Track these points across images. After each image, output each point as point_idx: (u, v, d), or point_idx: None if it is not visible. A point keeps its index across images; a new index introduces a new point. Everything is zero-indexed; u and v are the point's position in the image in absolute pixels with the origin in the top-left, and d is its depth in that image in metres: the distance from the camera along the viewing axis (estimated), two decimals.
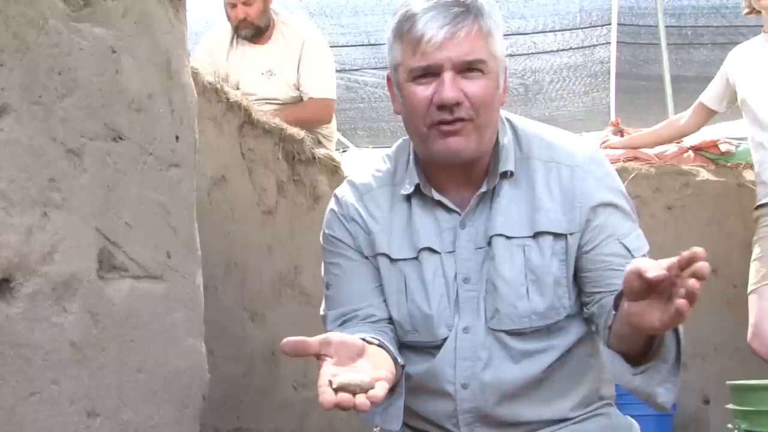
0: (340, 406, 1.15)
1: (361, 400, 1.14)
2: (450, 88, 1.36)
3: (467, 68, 1.38)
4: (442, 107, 1.37)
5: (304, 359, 2.76)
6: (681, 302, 1.10)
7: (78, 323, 1.19)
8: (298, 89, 3.68)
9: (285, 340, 1.21)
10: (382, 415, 1.37)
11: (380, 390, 1.17)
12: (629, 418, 1.60)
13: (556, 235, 1.44)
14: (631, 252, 1.42)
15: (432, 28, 1.36)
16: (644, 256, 1.42)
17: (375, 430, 1.64)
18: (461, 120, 1.38)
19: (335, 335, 1.26)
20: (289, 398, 2.73)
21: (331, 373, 1.18)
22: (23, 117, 1.11)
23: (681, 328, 1.27)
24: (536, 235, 1.44)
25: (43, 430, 1.12)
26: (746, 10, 3.30)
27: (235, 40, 3.73)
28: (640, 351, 1.29)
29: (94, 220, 1.24)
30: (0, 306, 1.07)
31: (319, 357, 1.23)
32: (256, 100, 3.34)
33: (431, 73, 1.38)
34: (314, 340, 1.22)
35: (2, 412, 1.06)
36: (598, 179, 1.46)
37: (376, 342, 1.33)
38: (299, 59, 3.65)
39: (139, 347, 1.32)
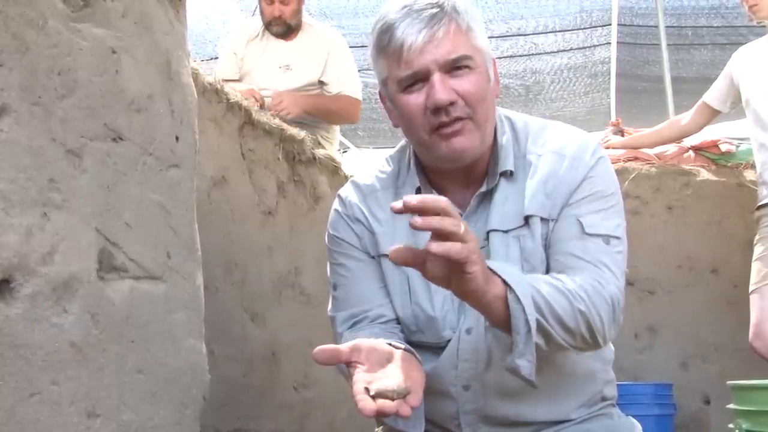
0: (380, 413, 1.16)
1: (402, 405, 1.17)
2: (441, 89, 1.36)
3: (454, 67, 1.38)
4: (437, 110, 1.37)
5: (305, 360, 2.77)
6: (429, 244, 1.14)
7: (78, 324, 1.19)
8: (320, 84, 3.75)
9: (317, 348, 1.22)
10: (404, 421, 1.35)
11: (417, 395, 1.20)
12: (631, 418, 1.60)
13: (542, 219, 1.43)
14: (585, 228, 1.39)
15: (410, 35, 1.36)
16: (601, 236, 1.39)
17: (376, 430, 1.64)
18: (459, 119, 1.38)
19: (364, 342, 1.28)
20: (289, 399, 2.73)
21: (365, 380, 1.20)
22: (23, 117, 1.11)
23: (521, 295, 1.24)
24: (527, 221, 1.43)
25: (43, 430, 1.12)
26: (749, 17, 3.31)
27: (261, 33, 3.79)
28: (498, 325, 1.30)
29: (94, 221, 1.24)
30: (0, 306, 1.07)
31: (349, 364, 1.25)
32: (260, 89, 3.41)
33: (420, 79, 1.38)
34: (345, 347, 1.25)
35: (2, 413, 1.06)
36: (586, 170, 1.44)
37: (403, 347, 1.33)
38: (326, 63, 3.75)
39: (139, 348, 1.32)
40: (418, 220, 1.13)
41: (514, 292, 1.24)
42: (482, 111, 1.40)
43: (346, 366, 1.27)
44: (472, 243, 1.18)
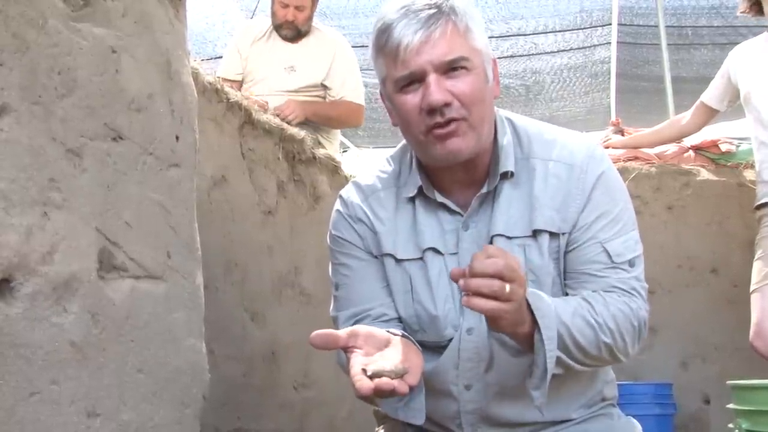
0: (378, 392, 1.18)
1: (400, 383, 1.19)
2: (436, 90, 1.36)
3: (450, 68, 1.37)
4: (432, 111, 1.37)
5: (305, 359, 2.77)
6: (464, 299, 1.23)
7: (78, 323, 1.19)
8: (323, 87, 3.77)
9: (314, 333, 1.25)
10: (404, 410, 1.37)
11: (416, 375, 1.23)
12: (631, 418, 1.60)
13: (552, 234, 1.44)
14: (612, 257, 1.43)
15: (407, 35, 1.36)
16: (627, 261, 1.43)
17: (376, 429, 1.64)
18: (454, 120, 1.38)
19: (362, 327, 1.31)
20: (289, 398, 2.73)
21: (362, 362, 1.22)
22: (23, 117, 1.11)
23: (546, 338, 1.30)
24: (535, 234, 1.44)
25: (43, 430, 1.12)
26: (742, 9, 3.29)
27: (268, 34, 3.81)
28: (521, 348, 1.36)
29: (94, 220, 1.24)
30: (0, 306, 1.07)
31: (347, 349, 1.27)
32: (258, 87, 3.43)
33: (416, 79, 1.38)
34: (342, 332, 1.28)
35: (2, 412, 1.06)
36: (594, 179, 1.45)
37: (400, 333, 1.35)
38: (330, 66, 3.77)
39: (139, 347, 1.32)
40: (464, 299, 1.22)
41: (541, 335, 1.30)
42: (478, 112, 1.40)
43: (344, 352, 1.28)
44: (513, 304, 1.24)
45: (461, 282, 1.22)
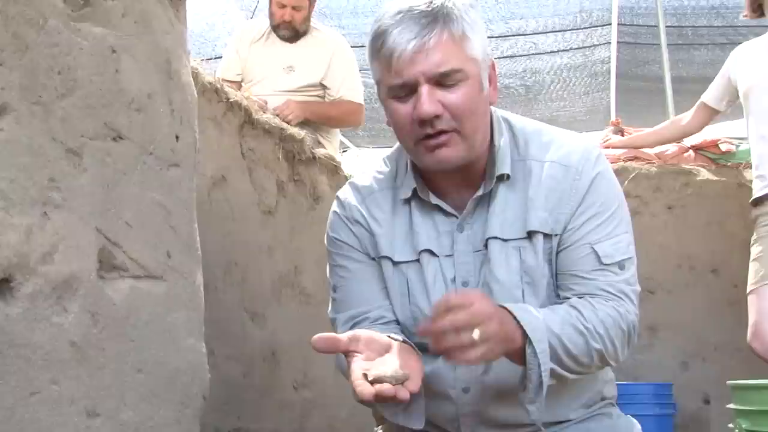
0: (379, 397, 1.18)
1: (400, 389, 1.19)
2: (427, 102, 1.34)
3: (443, 78, 1.35)
4: (423, 122, 1.36)
5: (304, 359, 2.77)
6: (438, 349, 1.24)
7: (78, 323, 1.19)
8: (322, 87, 3.77)
9: (316, 336, 1.25)
10: (404, 415, 1.36)
11: (416, 381, 1.22)
12: (631, 418, 1.60)
13: (545, 235, 1.43)
14: (601, 258, 1.42)
15: (401, 43, 1.34)
16: (617, 263, 1.42)
17: (376, 429, 1.64)
18: (444, 132, 1.37)
19: (363, 332, 1.31)
20: (289, 398, 2.73)
21: (363, 367, 1.23)
22: (23, 117, 1.11)
23: (540, 351, 1.29)
24: (530, 235, 1.43)
25: (43, 430, 1.12)
26: (746, 12, 3.30)
27: (266, 35, 3.81)
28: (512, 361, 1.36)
29: (94, 220, 1.24)
30: (0, 306, 1.07)
31: (347, 354, 1.27)
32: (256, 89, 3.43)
33: (408, 89, 1.37)
34: (344, 336, 1.28)
35: (2, 412, 1.06)
36: (589, 181, 1.44)
37: (401, 339, 1.35)
38: (328, 66, 3.77)
39: (139, 347, 1.32)
40: (433, 349, 1.24)
41: (533, 347, 1.29)
42: (470, 123, 1.38)
43: (344, 356, 1.28)
44: (488, 342, 1.23)
45: (432, 346, 1.24)
